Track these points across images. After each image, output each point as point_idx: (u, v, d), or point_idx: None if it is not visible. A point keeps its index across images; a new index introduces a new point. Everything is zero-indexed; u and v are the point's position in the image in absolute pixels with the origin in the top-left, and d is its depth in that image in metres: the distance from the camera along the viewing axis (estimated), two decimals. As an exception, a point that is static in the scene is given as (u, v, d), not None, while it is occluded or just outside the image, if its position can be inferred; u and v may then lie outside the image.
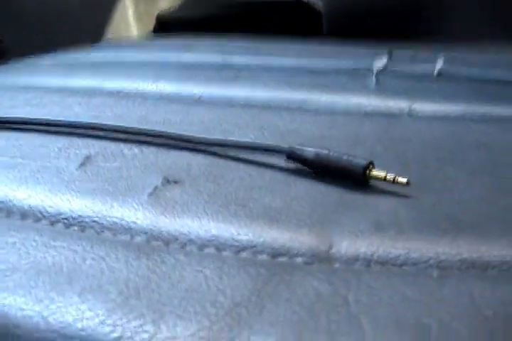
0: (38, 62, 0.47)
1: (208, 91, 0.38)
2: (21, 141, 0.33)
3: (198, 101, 0.37)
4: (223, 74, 0.41)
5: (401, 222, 0.24)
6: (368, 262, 0.22)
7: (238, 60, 0.44)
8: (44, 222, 0.25)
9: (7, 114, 0.35)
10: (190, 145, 0.31)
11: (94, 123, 0.33)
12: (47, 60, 0.48)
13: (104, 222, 0.25)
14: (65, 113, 0.36)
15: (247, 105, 0.36)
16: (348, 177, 0.28)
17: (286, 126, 0.34)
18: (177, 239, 0.23)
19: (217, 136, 0.31)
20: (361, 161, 0.28)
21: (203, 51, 0.46)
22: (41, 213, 0.26)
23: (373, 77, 0.40)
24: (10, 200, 0.27)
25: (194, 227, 0.24)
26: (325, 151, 0.29)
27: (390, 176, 0.27)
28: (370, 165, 0.28)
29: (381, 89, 0.38)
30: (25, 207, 0.26)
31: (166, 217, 0.25)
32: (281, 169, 0.29)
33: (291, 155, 0.29)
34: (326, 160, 0.29)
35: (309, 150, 0.29)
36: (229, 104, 0.37)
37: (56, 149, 0.31)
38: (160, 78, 0.41)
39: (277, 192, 0.27)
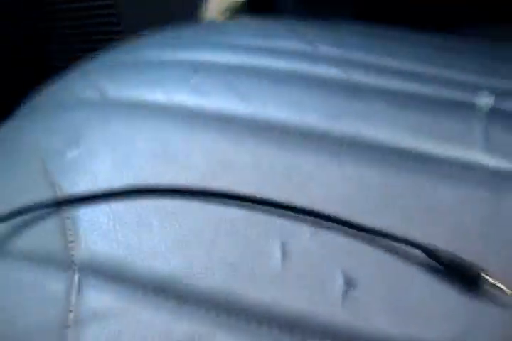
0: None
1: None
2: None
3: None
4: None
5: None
6: None
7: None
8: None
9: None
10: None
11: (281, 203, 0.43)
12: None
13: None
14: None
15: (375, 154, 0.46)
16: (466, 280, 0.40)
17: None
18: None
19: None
20: (476, 270, 0.39)
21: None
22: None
23: (481, 121, 0.49)
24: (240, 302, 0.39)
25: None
26: (456, 257, 0.40)
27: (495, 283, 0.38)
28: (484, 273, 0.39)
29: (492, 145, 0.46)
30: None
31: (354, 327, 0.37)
32: (423, 265, 0.40)
33: (428, 254, 0.40)
34: (456, 264, 0.40)
35: (444, 253, 0.40)
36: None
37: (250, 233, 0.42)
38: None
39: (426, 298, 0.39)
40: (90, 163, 0.47)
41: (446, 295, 0.39)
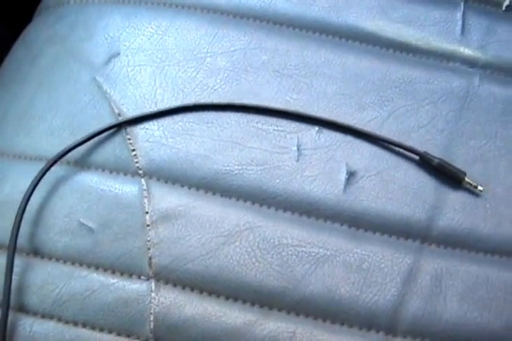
0: None
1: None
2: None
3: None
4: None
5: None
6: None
7: None
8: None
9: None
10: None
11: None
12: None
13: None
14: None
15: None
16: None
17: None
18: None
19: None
20: (462, 173, 0.50)
21: None
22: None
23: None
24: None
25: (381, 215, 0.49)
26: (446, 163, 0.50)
27: (473, 184, 0.50)
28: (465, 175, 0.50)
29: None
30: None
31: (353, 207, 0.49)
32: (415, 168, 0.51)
33: (424, 160, 0.51)
34: (446, 168, 0.51)
35: (436, 160, 0.50)
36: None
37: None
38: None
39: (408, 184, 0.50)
40: (133, 74, 0.54)
41: (429, 185, 0.51)
